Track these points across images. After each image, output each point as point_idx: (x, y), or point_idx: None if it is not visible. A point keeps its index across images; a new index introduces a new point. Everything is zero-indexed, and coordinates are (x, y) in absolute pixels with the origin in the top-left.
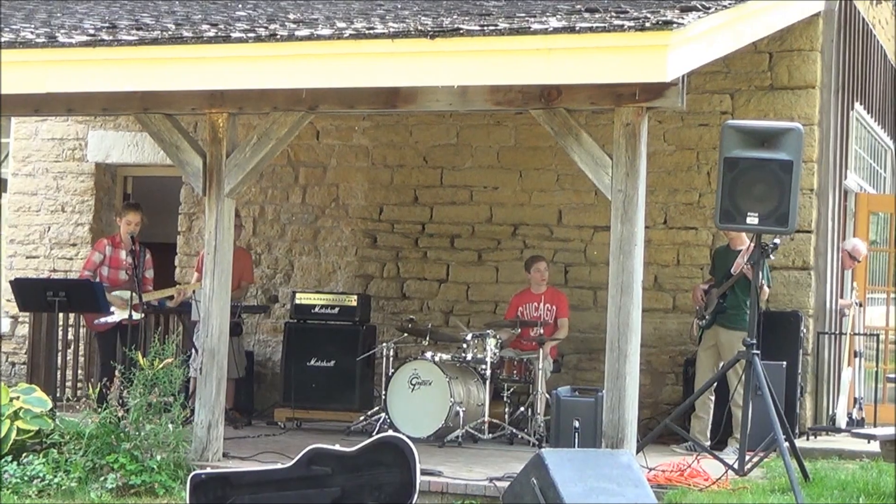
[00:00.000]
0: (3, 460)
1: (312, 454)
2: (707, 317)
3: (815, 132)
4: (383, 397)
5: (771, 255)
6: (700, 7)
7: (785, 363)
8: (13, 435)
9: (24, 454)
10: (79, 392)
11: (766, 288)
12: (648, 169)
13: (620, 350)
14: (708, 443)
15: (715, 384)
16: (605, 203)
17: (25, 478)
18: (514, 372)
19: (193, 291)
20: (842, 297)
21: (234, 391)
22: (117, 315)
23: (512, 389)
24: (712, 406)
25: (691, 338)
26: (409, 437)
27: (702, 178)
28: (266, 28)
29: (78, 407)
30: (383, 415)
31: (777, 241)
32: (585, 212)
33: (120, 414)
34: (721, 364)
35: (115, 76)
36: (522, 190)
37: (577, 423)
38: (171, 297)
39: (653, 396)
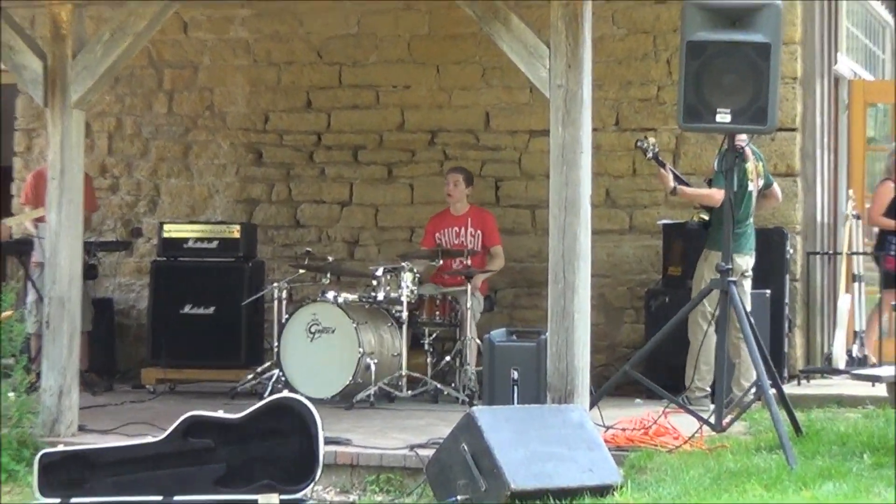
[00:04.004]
0: None
1: (189, 424)
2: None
3: (797, 8)
4: (276, 350)
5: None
6: None
7: (769, 292)
8: None
9: None
10: None
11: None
12: (595, 58)
13: (566, 282)
14: (706, 393)
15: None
16: (542, 102)
17: None
18: (437, 313)
19: (36, 226)
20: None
21: (90, 348)
22: None
23: (435, 335)
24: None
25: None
26: (308, 398)
27: (660, 67)
28: None
29: None
30: (276, 372)
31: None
32: (518, 113)
33: None
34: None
35: None
36: (440, 88)
37: (515, 374)
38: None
39: (608, 338)
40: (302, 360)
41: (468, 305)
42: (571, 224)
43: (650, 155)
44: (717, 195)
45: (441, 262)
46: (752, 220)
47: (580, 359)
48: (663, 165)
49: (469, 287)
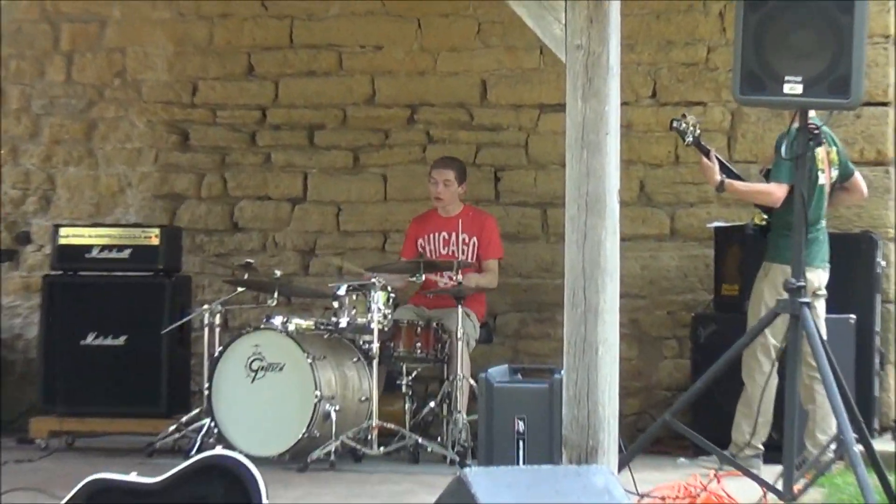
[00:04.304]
0: None
1: (94, 489)
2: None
3: None
4: (206, 393)
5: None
6: None
7: (853, 317)
8: None
9: None
10: None
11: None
12: (625, 11)
13: (588, 304)
14: (758, 452)
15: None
16: (555, 67)
17: None
18: (418, 345)
19: None
20: None
21: None
22: None
23: (415, 373)
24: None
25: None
26: (249, 456)
27: (711, 22)
28: None
29: None
30: (207, 422)
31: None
32: (525, 82)
33: None
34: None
35: None
36: (422, 50)
37: (520, 425)
38: None
39: (643, 378)
40: (240, 407)
41: (459, 335)
42: (594, 227)
43: (690, 139)
44: (777, 192)
45: (423, 277)
46: (824, 222)
47: (606, 405)
48: (707, 153)
49: (460, 310)
